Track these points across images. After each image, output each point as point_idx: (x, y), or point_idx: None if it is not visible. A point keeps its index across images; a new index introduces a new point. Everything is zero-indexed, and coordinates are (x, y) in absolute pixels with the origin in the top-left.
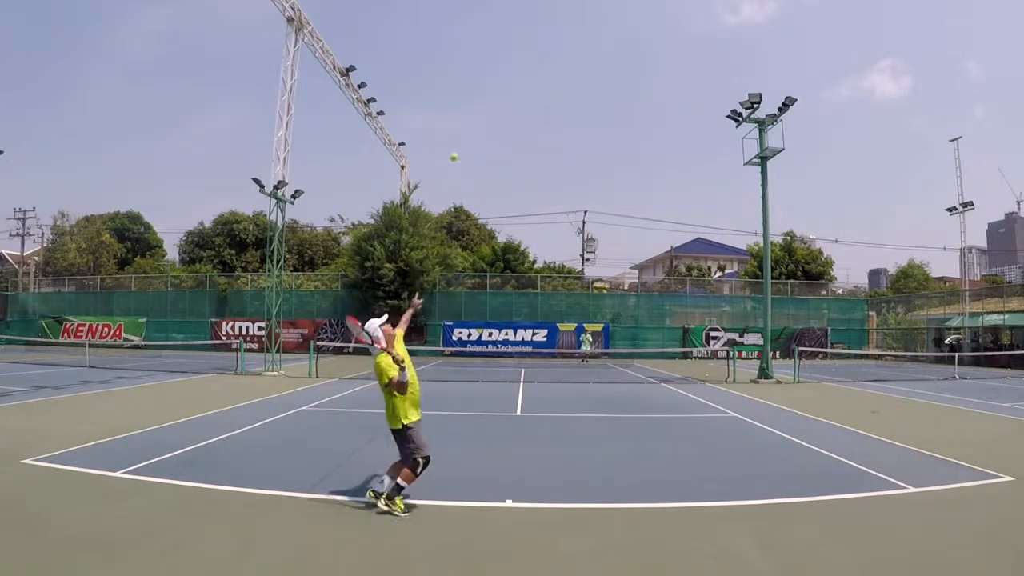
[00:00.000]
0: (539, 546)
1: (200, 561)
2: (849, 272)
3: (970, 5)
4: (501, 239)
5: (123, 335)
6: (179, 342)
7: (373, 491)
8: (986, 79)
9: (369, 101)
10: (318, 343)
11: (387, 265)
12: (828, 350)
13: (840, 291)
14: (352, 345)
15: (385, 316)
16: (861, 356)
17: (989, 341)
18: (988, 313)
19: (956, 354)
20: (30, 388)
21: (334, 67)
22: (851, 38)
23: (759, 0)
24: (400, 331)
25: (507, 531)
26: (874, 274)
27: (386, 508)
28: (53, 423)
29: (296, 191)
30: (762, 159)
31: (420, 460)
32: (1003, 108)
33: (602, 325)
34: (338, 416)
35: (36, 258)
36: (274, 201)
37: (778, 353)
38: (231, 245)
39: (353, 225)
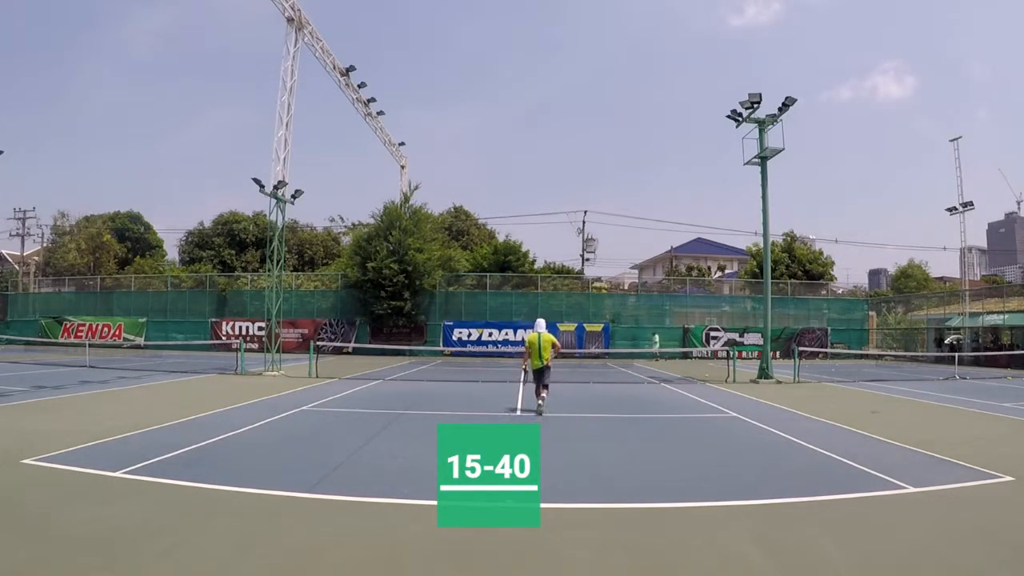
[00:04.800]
0: (539, 546)
1: (200, 561)
2: (849, 272)
3: (973, 7)
4: (501, 239)
5: (123, 335)
6: (179, 342)
7: (541, 405)
8: (990, 81)
9: (369, 101)
10: (318, 343)
11: (392, 266)
12: (828, 350)
13: (840, 291)
14: (352, 345)
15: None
16: (861, 356)
17: (989, 341)
18: (988, 313)
19: (956, 354)
20: (30, 388)
21: (334, 67)
22: (854, 40)
23: (763, 1)
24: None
25: (507, 531)
26: (874, 274)
27: (544, 409)
28: (53, 423)
29: (296, 191)
30: (762, 159)
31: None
32: (1006, 109)
33: (602, 325)
34: (338, 416)
35: (36, 258)
36: (274, 201)
37: (778, 353)
38: (231, 245)
39: (353, 225)
